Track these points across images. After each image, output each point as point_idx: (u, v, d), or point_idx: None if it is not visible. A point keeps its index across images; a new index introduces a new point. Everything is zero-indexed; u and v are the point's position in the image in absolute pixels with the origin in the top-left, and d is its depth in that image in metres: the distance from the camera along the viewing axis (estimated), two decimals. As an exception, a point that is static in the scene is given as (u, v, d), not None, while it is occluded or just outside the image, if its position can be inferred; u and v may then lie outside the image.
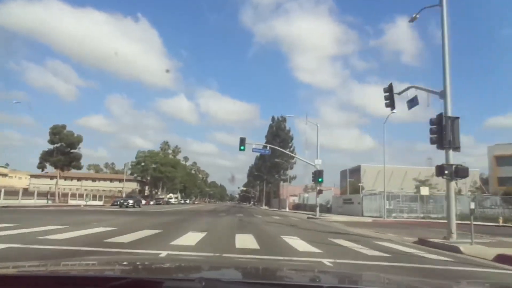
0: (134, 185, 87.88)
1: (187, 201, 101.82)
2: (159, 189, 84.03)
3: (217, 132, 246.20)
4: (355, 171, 59.93)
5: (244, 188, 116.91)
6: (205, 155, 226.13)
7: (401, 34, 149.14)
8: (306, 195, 59.52)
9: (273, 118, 77.27)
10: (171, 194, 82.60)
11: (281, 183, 75.19)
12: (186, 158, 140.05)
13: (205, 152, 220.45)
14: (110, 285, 1.46)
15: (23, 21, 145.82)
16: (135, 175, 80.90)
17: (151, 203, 60.78)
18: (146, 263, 2.68)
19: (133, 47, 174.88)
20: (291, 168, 70.66)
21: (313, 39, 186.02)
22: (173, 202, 75.91)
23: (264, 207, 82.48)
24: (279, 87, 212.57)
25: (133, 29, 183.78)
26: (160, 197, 75.22)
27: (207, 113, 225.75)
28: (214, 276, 1.92)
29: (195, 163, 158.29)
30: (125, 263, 2.50)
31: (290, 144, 74.52)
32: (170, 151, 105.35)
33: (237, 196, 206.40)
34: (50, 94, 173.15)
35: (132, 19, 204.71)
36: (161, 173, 77.51)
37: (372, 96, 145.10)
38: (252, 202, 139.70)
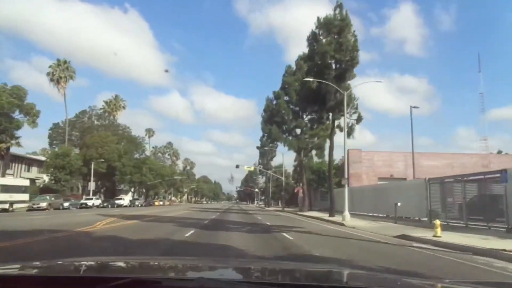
0: None
1: (123, 202, 51.25)
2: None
3: (213, 130, 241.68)
4: None
5: (252, 168, 64.23)
6: (202, 154, 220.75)
7: (404, 21, 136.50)
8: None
9: None
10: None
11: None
12: (149, 131, 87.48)
13: (203, 152, 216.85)
14: (110, 285, 1.39)
15: (3, 15, 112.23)
16: None
17: None
18: (145, 263, 2.50)
19: (122, 40, 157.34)
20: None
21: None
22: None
23: (330, 217, 27.43)
24: (277, 81, 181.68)
25: (122, 20, 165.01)
26: None
27: (203, 110, 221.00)
28: (213, 276, 1.86)
29: (170, 143, 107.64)
30: (124, 263, 2.39)
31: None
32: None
33: (234, 195, 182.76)
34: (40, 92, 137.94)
35: (120, 10, 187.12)
36: None
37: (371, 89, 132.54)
38: (259, 200, 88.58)
